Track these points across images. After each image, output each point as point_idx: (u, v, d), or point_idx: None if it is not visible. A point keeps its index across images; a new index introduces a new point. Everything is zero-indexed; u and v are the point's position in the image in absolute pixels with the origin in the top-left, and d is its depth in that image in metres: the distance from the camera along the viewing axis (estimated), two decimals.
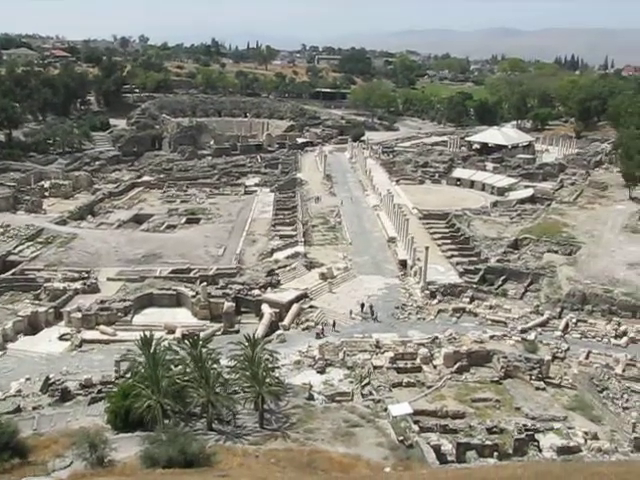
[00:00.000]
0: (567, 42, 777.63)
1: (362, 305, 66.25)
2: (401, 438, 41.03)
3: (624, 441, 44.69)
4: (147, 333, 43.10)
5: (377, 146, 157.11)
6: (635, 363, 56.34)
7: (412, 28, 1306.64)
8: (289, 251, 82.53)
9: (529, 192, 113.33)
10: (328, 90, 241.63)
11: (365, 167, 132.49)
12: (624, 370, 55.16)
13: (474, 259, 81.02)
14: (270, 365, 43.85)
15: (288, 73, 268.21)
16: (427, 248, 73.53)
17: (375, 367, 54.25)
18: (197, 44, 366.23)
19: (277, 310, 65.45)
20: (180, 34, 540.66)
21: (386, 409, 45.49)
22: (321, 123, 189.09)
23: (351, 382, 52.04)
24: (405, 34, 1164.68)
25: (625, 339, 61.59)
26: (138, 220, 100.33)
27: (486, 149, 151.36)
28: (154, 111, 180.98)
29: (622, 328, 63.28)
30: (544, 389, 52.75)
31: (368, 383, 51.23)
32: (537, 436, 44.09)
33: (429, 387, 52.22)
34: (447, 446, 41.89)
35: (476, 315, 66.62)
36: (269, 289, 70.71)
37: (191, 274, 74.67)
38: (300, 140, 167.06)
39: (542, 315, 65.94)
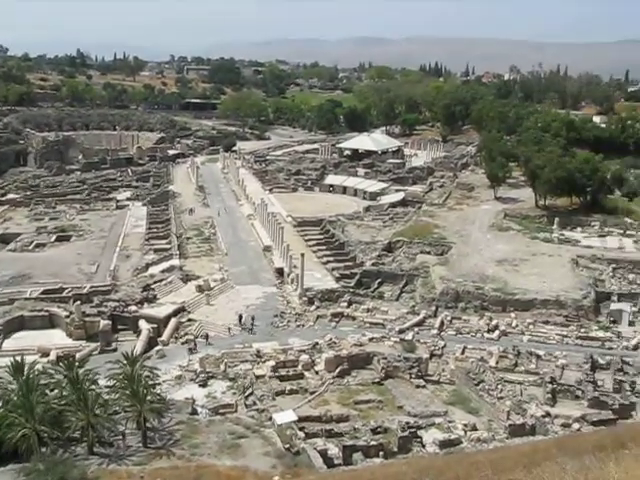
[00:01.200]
0: (431, 50, 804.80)
1: (240, 317, 65.60)
2: (287, 446, 40.88)
3: (500, 429, 46.58)
4: (18, 358, 41.03)
5: (249, 156, 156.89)
6: (507, 355, 58.59)
7: (280, 37, 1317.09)
8: (164, 265, 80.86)
9: (400, 196, 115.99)
10: (198, 101, 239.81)
11: (238, 177, 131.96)
12: (497, 362, 57.33)
13: (350, 264, 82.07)
14: (150, 382, 42.67)
15: (157, 84, 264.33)
16: (303, 255, 73.81)
17: (257, 377, 53.85)
18: (61, 55, 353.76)
19: (155, 325, 63.87)
20: (41, 44, 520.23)
21: (271, 418, 45.22)
22: (192, 134, 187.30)
23: (234, 393, 51.43)
24: (273, 43, 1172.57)
25: (497, 332, 64.02)
26: (4, 240, 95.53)
27: (357, 155, 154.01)
28: (17, 125, 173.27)
29: (494, 322, 65.75)
30: (424, 386, 53.89)
31: (251, 393, 50.80)
32: (420, 432, 44.98)
33: (312, 393, 52.31)
34: (333, 450, 42.06)
35: (354, 319, 67.40)
36: (146, 304, 68.92)
37: (64, 293, 71.61)
38: (171, 152, 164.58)
39: (418, 315, 67.52)
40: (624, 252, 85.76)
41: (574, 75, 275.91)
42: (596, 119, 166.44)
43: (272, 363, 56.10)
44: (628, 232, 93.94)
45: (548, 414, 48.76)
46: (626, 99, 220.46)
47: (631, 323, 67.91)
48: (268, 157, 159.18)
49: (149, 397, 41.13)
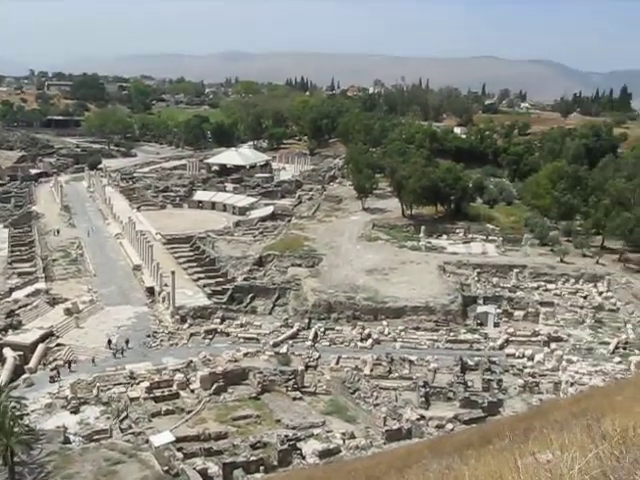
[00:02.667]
0: (297, 65, 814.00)
1: (109, 341, 63.48)
2: (166, 468, 39.99)
3: (377, 435, 47.30)
4: None
5: (115, 173, 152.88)
6: (381, 362, 59.63)
7: (143, 53, 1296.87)
8: (29, 289, 77.45)
9: (269, 210, 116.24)
10: (61, 118, 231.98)
11: (104, 195, 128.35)
12: (372, 370, 58.26)
13: (221, 279, 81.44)
14: (18, 413, 40.65)
15: (16, 100, 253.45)
16: (173, 273, 72.62)
17: (132, 399, 52.35)
18: None
19: (21, 353, 60.97)
20: None
21: (147, 440, 44.07)
22: (55, 152, 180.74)
23: (108, 418, 49.79)
24: (137, 59, 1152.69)
25: (370, 341, 65.10)
26: None
27: (225, 170, 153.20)
28: None
29: (366, 331, 66.80)
30: (301, 398, 54.03)
31: (126, 417, 49.32)
32: (299, 444, 45.05)
33: (189, 412, 51.39)
34: (213, 468, 41.52)
35: (228, 335, 66.85)
36: (10, 331, 65.75)
37: None
38: (34, 171, 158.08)
39: (292, 327, 67.70)
40: (487, 257, 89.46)
41: (435, 88, 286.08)
42: (457, 130, 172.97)
43: (146, 384, 54.73)
44: (490, 237, 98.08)
45: (423, 417, 50.06)
46: (483, 111, 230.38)
47: (496, 324, 70.85)
48: (135, 174, 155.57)
49: (17, 429, 39.25)
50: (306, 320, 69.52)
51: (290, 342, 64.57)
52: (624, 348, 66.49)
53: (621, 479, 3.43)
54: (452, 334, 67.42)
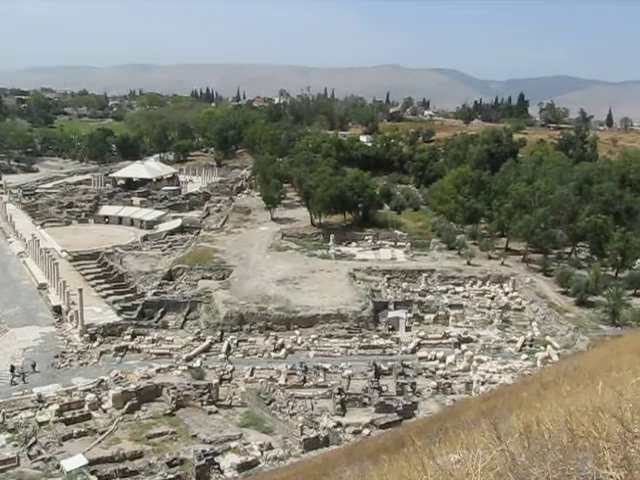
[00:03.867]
0: (201, 76, 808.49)
1: (12, 368, 60.58)
2: None
3: (295, 444, 47.23)
4: None
5: (17, 190, 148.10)
6: (295, 371, 59.63)
7: (43, 65, 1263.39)
8: None
9: (178, 223, 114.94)
10: None
11: (5, 213, 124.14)
12: (286, 380, 58.21)
13: (130, 295, 79.89)
14: None
15: None
16: (81, 290, 70.80)
17: (40, 423, 50.59)
18: None
19: None
20: None
21: (59, 466, 42.68)
22: None
23: (15, 445, 47.86)
24: (35, 71, 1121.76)
25: (283, 351, 65.08)
26: None
27: (131, 184, 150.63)
28: None
29: (279, 341, 66.73)
30: (217, 412, 53.44)
31: (35, 442, 47.57)
32: (217, 459, 44.47)
33: (102, 433, 50.03)
34: None
35: (140, 351, 65.56)
36: None
37: None
38: None
39: (204, 341, 67.00)
40: (396, 262, 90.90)
41: (340, 98, 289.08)
42: (363, 139, 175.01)
43: (56, 407, 52.96)
44: (399, 243, 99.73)
45: (339, 424, 50.27)
46: (388, 119, 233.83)
47: (407, 329, 71.99)
48: (37, 190, 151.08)
49: None
50: (218, 333, 68.98)
51: (203, 356, 63.89)
52: (530, 345, 68.80)
53: (520, 474, 3.55)
54: (365, 340, 68.14)
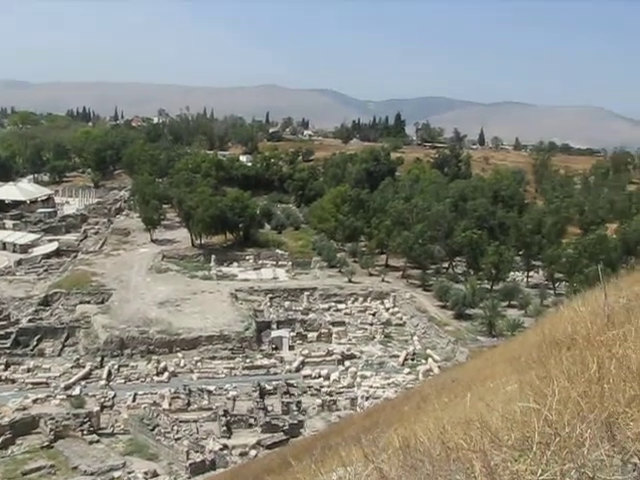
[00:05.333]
0: (77, 95, 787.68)
1: None
2: None
3: (181, 470, 46.37)
4: None
5: None
6: (179, 395, 58.65)
7: None
8: None
9: (54, 246, 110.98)
10: None
11: None
12: (170, 404, 57.13)
13: (4, 323, 76.33)
14: None
15: None
16: None
17: None
18: None
19: None
20: None
21: None
22: None
23: None
24: None
25: (166, 374, 63.90)
26: None
27: (3, 206, 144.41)
28: None
29: (162, 365, 65.48)
30: (98, 441, 51.74)
31: None
32: None
33: None
34: None
35: (14, 381, 62.64)
36: None
37: None
38: None
39: (84, 368, 64.88)
40: (278, 282, 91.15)
41: (220, 117, 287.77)
42: (243, 158, 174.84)
43: None
44: (280, 263, 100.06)
45: (226, 446, 49.73)
46: (268, 139, 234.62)
47: (291, 347, 72.27)
48: None
49: None
50: (99, 358, 66.94)
51: (83, 383, 61.78)
52: (412, 359, 70.45)
53: None
54: (248, 360, 67.85)
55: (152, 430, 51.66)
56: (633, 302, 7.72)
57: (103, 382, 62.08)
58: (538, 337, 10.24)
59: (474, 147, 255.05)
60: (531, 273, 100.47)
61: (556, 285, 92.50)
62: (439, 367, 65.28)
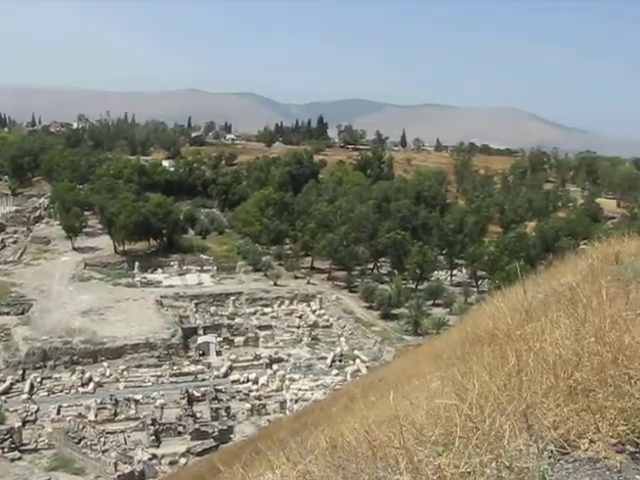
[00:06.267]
0: None
1: None
2: None
3: None
4: None
5: None
6: (105, 406, 57.55)
7: None
8: None
9: None
10: None
11: None
12: (97, 415, 55.98)
13: None
14: None
15: None
16: None
17: None
18: None
19: None
20: None
21: None
22: None
23: None
24: None
25: (92, 385, 62.64)
26: None
27: None
28: None
29: (87, 375, 64.17)
30: (20, 458, 50.29)
31: None
32: None
33: None
34: None
35: None
36: None
37: None
38: None
39: (4, 382, 62.95)
40: (204, 287, 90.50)
41: (141, 122, 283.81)
42: (165, 163, 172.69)
43: None
44: (205, 268, 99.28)
45: (155, 456, 49.10)
46: (191, 144, 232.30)
47: (218, 353, 71.80)
48: None
49: None
50: (20, 372, 65.04)
51: (3, 398, 59.91)
52: (340, 360, 70.88)
53: None
54: (175, 367, 67.14)
55: (78, 443, 50.54)
56: (550, 297, 7.96)
57: (25, 396, 60.33)
58: (461, 334, 10.47)
59: (396, 149, 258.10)
60: (454, 272, 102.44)
61: (479, 283, 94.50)
62: (367, 367, 65.87)
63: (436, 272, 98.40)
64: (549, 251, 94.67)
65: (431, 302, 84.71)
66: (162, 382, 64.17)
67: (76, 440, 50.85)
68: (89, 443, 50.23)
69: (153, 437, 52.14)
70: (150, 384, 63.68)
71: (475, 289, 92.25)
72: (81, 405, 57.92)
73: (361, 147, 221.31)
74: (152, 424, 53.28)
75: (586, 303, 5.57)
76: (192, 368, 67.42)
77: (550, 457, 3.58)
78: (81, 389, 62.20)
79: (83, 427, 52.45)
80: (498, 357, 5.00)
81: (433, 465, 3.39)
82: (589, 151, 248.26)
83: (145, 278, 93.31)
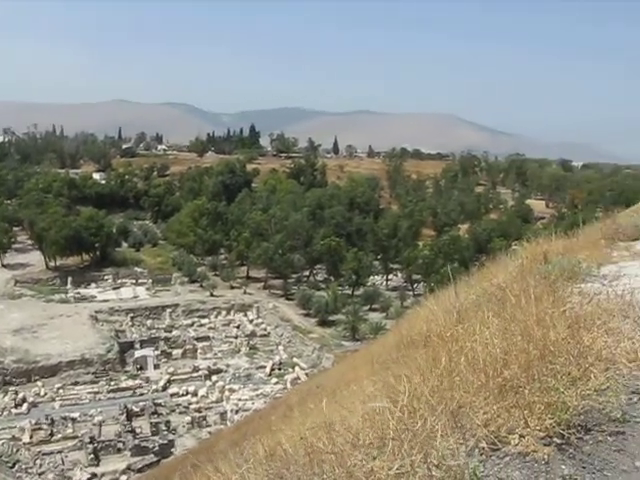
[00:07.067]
0: None
1: None
2: None
3: None
4: None
5: None
6: (41, 426, 56.15)
7: None
8: None
9: None
10: None
11: None
12: (32, 436, 54.54)
13: None
14: None
15: None
16: None
17: None
18: None
19: None
20: None
21: None
22: None
23: None
24: None
25: (26, 405, 61.06)
26: None
27: None
28: None
29: (20, 395, 62.54)
30: None
31: None
32: None
33: None
34: None
35: None
36: None
37: None
38: None
39: None
40: (139, 300, 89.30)
41: (70, 134, 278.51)
42: (96, 176, 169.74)
43: None
44: (140, 281, 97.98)
45: (95, 475, 48.22)
46: (122, 155, 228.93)
47: (156, 366, 70.93)
48: None
49: None
50: None
51: None
52: (279, 369, 70.82)
53: None
54: (113, 383, 66.06)
55: (12, 467, 49.16)
56: (481, 297, 8.12)
57: None
58: (397, 338, 10.59)
59: (329, 156, 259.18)
60: (390, 276, 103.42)
61: (414, 286, 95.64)
62: (306, 374, 65.92)
63: (372, 277, 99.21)
64: (482, 252, 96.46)
65: (368, 307, 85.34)
66: (99, 399, 63.02)
67: (10, 464, 49.48)
68: (24, 466, 48.92)
69: (92, 456, 51.08)
70: (87, 401, 62.46)
71: (411, 293, 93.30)
72: (15, 427, 56.35)
73: (294, 155, 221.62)
74: (90, 442, 52.22)
75: (515, 302, 5.71)
76: (130, 383, 66.40)
77: (482, 454, 3.67)
78: (14, 410, 60.51)
79: (17, 450, 51.06)
80: (431, 359, 5.08)
81: (367, 468, 3.43)
82: (518, 154, 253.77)
83: (79, 293, 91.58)
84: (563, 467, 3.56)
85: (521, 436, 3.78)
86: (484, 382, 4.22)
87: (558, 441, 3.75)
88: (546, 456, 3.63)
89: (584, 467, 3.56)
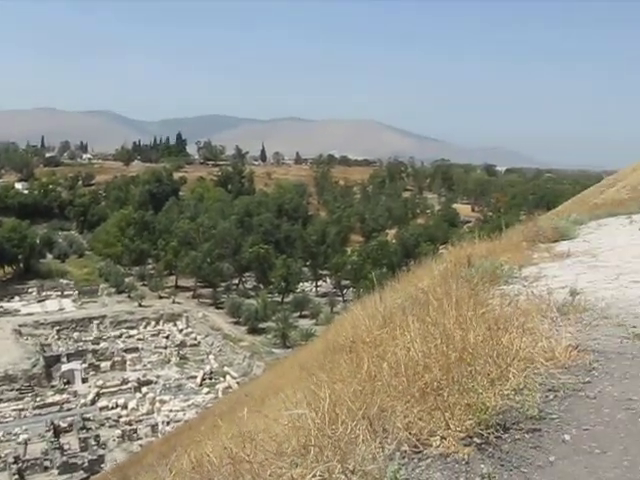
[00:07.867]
0: None
1: None
2: None
3: None
4: None
5: None
6: None
7: None
8: None
9: None
10: None
11: None
12: None
13: None
14: None
15: None
16: None
17: None
18: None
19: None
20: None
21: None
22: None
23: None
24: None
25: None
26: None
27: None
28: None
29: None
30: None
31: None
32: None
33: None
34: None
35: None
36: None
37: None
38: None
39: None
40: (65, 313, 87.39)
41: None
42: (18, 186, 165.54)
43: None
44: (66, 293, 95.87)
45: None
46: (45, 165, 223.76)
47: (84, 380, 69.43)
48: None
49: None
50: None
51: None
52: (210, 378, 70.19)
53: None
54: (39, 399, 64.27)
55: None
56: (406, 302, 8.21)
57: None
58: (324, 344, 10.63)
59: (256, 163, 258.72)
60: (319, 282, 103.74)
61: (344, 292, 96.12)
62: (237, 383, 65.49)
63: (301, 284, 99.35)
64: (410, 257, 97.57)
65: (298, 314, 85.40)
66: (25, 416, 61.20)
67: None
68: None
69: (16, 476, 49.54)
70: (11, 419, 60.58)
71: (340, 298, 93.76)
72: None
73: (221, 163, 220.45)
74: (15, 462, 50.62)
75: (437, 306, 5.79)
76: (57, 398, 64.75)
77: (404, 457, 3.71)
78: None
79: None
80: (354, 364, 5.11)
81: (287, 477, 3.44)
82: (443, 159, 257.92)
83: (1, 307, 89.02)
84: (482, 466, 3.63)
85: (442, 438, 3.84)
86: (405, 386, 4.27)
87: (478, 441, 3.83)
88: (466, 456, 3.70)
89: (502, 465, 3.64)
